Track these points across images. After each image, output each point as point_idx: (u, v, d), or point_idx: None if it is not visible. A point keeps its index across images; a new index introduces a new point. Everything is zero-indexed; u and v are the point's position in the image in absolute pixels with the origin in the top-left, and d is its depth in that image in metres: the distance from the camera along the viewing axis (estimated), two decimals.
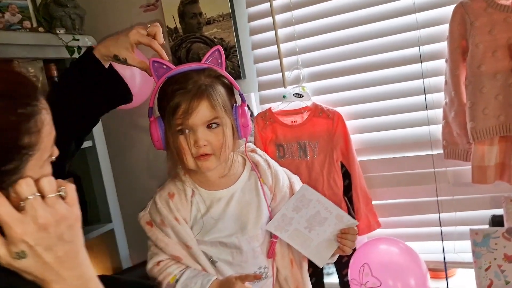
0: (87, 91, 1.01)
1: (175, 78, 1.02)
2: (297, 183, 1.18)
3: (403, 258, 1.45)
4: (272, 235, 1.11)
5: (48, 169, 0.68)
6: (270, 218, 1.10)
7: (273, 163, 1.17)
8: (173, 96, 0.99)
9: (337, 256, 1.10)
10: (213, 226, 1.07)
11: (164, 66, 1.03)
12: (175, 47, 1.85)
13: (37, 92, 0.64)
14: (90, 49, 1.04)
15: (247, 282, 1.00)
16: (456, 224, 1.51)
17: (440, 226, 1.47)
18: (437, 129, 1.47)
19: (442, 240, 1.45)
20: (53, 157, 0.69)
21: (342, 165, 1.59)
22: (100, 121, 1.82)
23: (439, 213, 1.48)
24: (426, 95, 1.47)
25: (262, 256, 1.10)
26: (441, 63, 1.41)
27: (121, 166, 2.03)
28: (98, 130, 1.81)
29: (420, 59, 1.45)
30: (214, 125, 1.01)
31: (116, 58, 1.02)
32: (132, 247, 1.97)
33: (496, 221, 1.42)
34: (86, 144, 1.76)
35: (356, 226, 1.07)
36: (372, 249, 1.49)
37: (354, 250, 1.56)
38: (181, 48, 1.85)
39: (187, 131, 1.01)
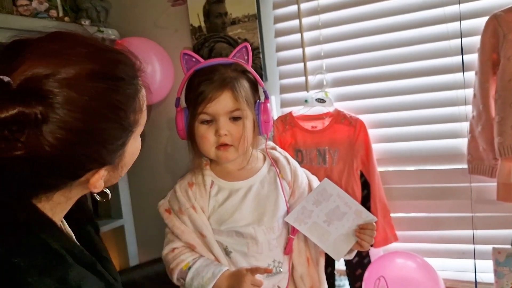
0: None
1: (203, 70, 1.06)
2: (316, 183, 1.18)
3: (421, 273, 1.40)
4: (290, 231, 1.11)
5: (139, 140, 0.72)
6: (288, 213, 1.10)
7: (292, 160, 1.18)
8: (198, 86, 1.03)
9: (354, 252, 1.10)
10: (230, 215, 1.07)
11: (194, 59, 1.09)
12: (198, 46, 1.84)
13: (136, 69, 0.66)
14: None
15: (257, 275, 1.01)
16: (477, 243, 1.46)
17: (474, 243, 1.42)
18: (461, 143, 1.43)
19: (475, 258, 1.40)
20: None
21: (362, 175, 1.55)
22: None
23: (473, 230, 1.42)
24: (453, 108, 1.44)
25: (277, 250, 1.10)
26: (471, 75, 1.38)
27: (136, 162, 2.01)
28: None
29: (463, 68, 1.40)
30: (236, 117, 1.04)
31: None
32: (141, 245, 1.95)
33: None
34: None
35: (375, 222, 1.07)
36: (389, 262, 1.45)
37: (369, 262, 1.55)
38: (204, 47, 1.83)
39: (209, 119, 1.04)
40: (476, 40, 1.34)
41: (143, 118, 0.68)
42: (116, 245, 1.86)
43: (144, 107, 0.68)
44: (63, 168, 0.59)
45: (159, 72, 1.82)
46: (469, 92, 1.40)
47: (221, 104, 1.02)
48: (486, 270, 1.42)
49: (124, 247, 1.85)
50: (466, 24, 1.39)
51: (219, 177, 1.11)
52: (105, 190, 0.71)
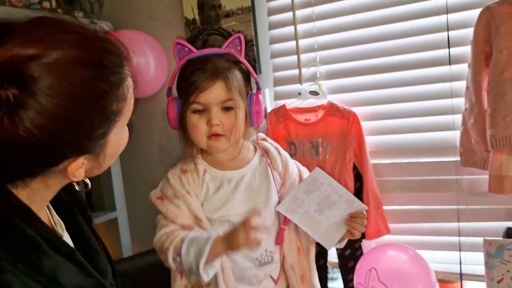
0: None
1: (196, 60, 1.05)
2: (306, 173, 1.18)
3: (412, 265, 1.40)
4: (281, 222, 1.12)
5: (126, 131, 0.70)
6: (279, 203, 1.10)
7: (283, 151, 1.18)
8: (191, 76, 1.02)
9: (345, 241, 1.10)
10: (222, 204, 1.07)
11: (186, 49, 1.08)
12: (192, 39, 1.84)
13: (123, 58, 0.65)
14: None
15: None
16: (468, 235, 1.47)
17: (459, 236, 1.44)
18: (454, 135, 1.43)
19: (460, 250, 1.43)
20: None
21: (355, 167, 1.56)
22: None
23: (458, 222, 1.44)
24: (446, 100, 1.44)
25: (269, 240, 1.10)
26: (464, 68, 1.38)
27: (129, 155, 2.01)
28: None
29: (450, 61, 1.41)
30: (228, 108, 1.04)
31: None
32: (134, 237, 1.95)
33: (511, 234, 1.37)
34: None
35: (366, 211, 1.07)
36: (381, 254, 1.45)
37: (361, 254, 1.55)
38: (197, 40, 1.83)
39: (201, 109, 1.03)
40: (469, 32, 1.34)
41: (128, 108, 0.67)
42: (109, 237, 1.86)
43: (129, 97, 0.66)
44: (41, 155, 0.58)
45: (153, 64, 1.81)
46: (458, 85, 1.40)
47: (214, 93, 1.02)
48: (478, 262, 1.42)
49: (117, 239, 1.85)
50: (459, 16, 1.40)
51: (211, 166, 1.11)
52: (85, 180, 0.70)
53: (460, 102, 1.40)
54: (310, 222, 1.06)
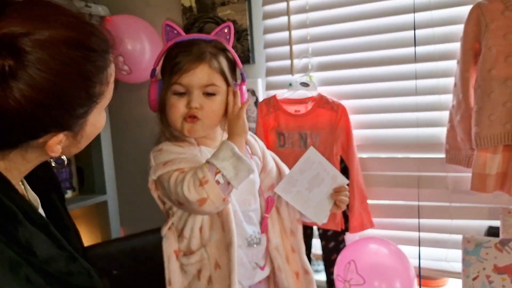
0: None
1: (183, 43, 1.06)
2: (283, 164, 1.21)
3: (392, 260, 1.41)
4: (264, 210, 1.13)
5: (104, 115, 0.74)
6: (260, 187, 1.13)
7: (259, 140, 1.20)
8: (176, 57, 1.03)
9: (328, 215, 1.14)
10: None
11: (175, 31, 1.09)
12: (188, 26, 1.84)
13: (109, 45, 0.69)
14: None
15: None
16: (451, 232, 1.47)
17: (419, 231, 1.47)
18: (441, 132, 1.43)
19: (419, 246, 1.46)
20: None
21: (341, 160, 1.56)
22: None
23: (419, 219, 1.47)
24: (434, 96, 1.43)
25: (255, 222, 1.12)
26: (453, 64, 1.37)
27: (122, 140, 2.02)
28: None
29: (414, 56, 1.41)
30: (209, 93, 1.04)
31: None
32: (124, 221, 1.97)
33: (492, 232, 1.38)
34: None
35: (348, 189, 1.14)
36: (362, 247, 1.45)
37: (344, 247, 1.55)
38: (193, 28, 1.83)
39: (182, 92, 1.03)
40: (458, 28, 1.33)
41: (108, 92, 0.70)
42: (99, 221, 1.88)
43: (111, 82, 0.70)
44: (24, 126, 0.61)
45: (148, 51, 1.81)
46: (446, 81, 1.40)
47: (197, 76, 1.01)
48: (459, 260, 1.43)
49: (106, 222, 1.87)
50: (448, 12, 1.39)
51: (203, 145, 1.09)
52: (62, 157, 0.73)
53: (449, 98, 1.39)
54: (301, 201, 1.11)
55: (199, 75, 1.01)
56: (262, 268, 1.13)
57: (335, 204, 1.12)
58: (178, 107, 1.03)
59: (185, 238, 1.05)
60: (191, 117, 1.03)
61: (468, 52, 1.31)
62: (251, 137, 1.18)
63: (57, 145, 0.67)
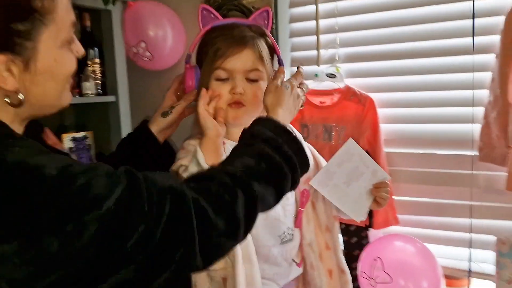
0: (144, 164, 0.99)
1: (221, 27, 1.01)
2: (320, 157, 1.14)
3: (419, 258, 1.37)
4: (299, 204, 1.08)
5: (70, 57, 0.69)
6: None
7: (296, 131, 1.14)
8: (216, 41, 0.98)
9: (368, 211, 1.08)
10: None
11: (212, 15, 1.03)
12: None
13: None
14: (144, 123, 1.07)
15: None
16: (481, 232, 1.42)
17: (471, 232, 1.41)
18: (471, 129, 1.38)
19: (470, 247, 1.40)
20: (78, 53, 0.71)
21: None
22: (126, 78, 1.81)
23: (471, 218, 1.40)
24: (467, 91, 1.38)
25: (290, 217, 1.07)
26: (489, 58, 1.31)
27: None
28: (123, 87, 1.77)
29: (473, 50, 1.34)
30: (252, 79, 0.99)
31: (165, 115, 1.07)
32: None
33: None
34: (109, 99, 1.73)
35: (388, 180, 1.06)
36: (387, 244, 1.42)
37: (368, 243, 1.52)
38: None
39: (224, 78, 0.98)
40: (497, 20, 1.27)
41: (59, 17, 0.64)
42: None
43: (62, 4, 0.65)
44: None
45: (170, 37, 1.78)
46: (481, 76, 1.34)
47: (241, 60, 0.96)
48: (487, 261, 1.39)
49: None
50: (487, 3, 1.32)
51: (229, 140, 1.04)
52: (19, 96, 0.64)
53: (482, 94, 1.34)
54: (338, 195, 1.05)
55: (244, 59, 0.97)
56: (299, 265, 1.09)
57: (375, 201, 1.06)
58: (222, 94, 0.98)
59: None
60: (236, 103, 0.98)
61: (509, 45, 1.25)
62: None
63: (6, 72, 0.61)
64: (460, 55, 1.37)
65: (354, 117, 1.50)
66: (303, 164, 0.82)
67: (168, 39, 1.77)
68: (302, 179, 1.09)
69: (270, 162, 0.75)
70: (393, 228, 1.52)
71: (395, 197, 1.51)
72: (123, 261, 0.57)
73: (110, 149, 1.82)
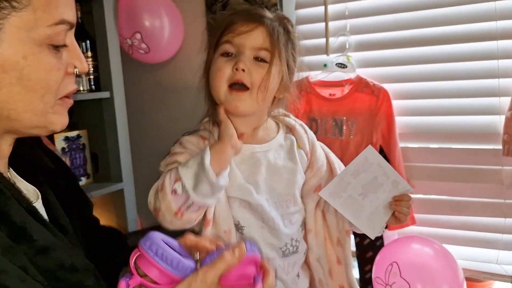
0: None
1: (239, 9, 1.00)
2: (336, 162, 1.04)
3: (438, 261, 1.27)
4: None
5: (52, 62, 0.57)
6: (304, 186, 1.00)
7: (309, 130, 1.06)
8: (230, 16, 0.93)
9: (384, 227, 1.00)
10: (242, 182, 0.93)
11: None
12: (211, 1, 1.70)
13: None
14: None
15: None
16: (503, 232, 1.34)
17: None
18: (495, 120, 1.29)
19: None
20: (76, 67, 0.61)
21: (381, 150, 1.43)
22: (121, 72, 1.72)
23: (505, 218, 1.31)
24: (493, 80, 1.28)
25: (294, 227, 0.98)
26: None
27: (138, 124, 1.92)
28: (117, 82, 1.68)
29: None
30: (261, 59, 0.91)
31: None
32: (141, 211, 1.87)
33: None
34: (104, 95, 1.64)
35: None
36: (403, 247, 1.32)
37: (382, 244, 1.43)
38: (217, 2, 1.69)
39: (231, 53, 0.91)
40: None
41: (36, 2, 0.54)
42: (115, 210, 1.78)
43: None
44: None
45: (168, 28, 1.70)
46: (507, 64, 1.25)
47: (250, 37, 0.90)
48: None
49: (123, 212, 1.76)
50: None
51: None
52: None
53: (509, 83, 1.24)
54: (352, 208, 0.96)
55: (254, 36, 0.90)
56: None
57: (393, 216, 0.97)
58: (224, 71, 0.90)
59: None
60: (237, 84, 0.89)
61: None
62: (300, 127, 1.04)
63: None
64: (484, 41, 1.28)
65: (366, 110, 1.42)
66: None
67: (165, 29, 1.68)
68: (312, 187, 1.00)
69: None
70: (409, 229, 1.43)
71: (411, 195, 1.42)
72: None
73: (105, 148, 1.73)
